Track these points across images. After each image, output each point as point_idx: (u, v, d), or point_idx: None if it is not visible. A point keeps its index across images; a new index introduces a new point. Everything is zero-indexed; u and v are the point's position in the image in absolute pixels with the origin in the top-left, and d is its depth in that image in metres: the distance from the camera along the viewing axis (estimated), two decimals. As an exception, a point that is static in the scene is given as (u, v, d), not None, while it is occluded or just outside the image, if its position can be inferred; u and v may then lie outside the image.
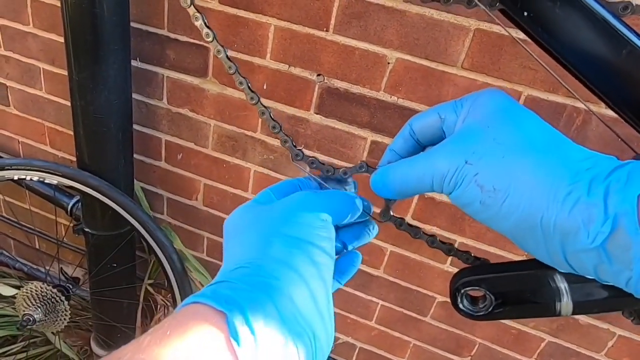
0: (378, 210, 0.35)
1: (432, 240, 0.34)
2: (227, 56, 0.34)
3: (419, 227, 0.33)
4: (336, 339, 1.15)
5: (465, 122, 0.28)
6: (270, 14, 0.82)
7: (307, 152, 0.85)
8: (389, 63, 0.80)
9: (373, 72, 0.81)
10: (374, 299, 1.05)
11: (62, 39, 0.99)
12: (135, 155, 1.02)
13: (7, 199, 1.30)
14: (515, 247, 0.87)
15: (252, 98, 0.35)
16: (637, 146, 0.52)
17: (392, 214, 0.32)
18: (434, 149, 0.28)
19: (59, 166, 0.93)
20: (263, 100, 0.89)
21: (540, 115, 0.83)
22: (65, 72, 1.02)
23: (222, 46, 0.36)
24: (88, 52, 0.82)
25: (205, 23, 0.34)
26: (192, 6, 0.34)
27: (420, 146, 0.32)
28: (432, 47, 0.76)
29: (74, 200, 1.07)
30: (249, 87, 0.34)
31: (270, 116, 0.33)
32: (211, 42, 0.34)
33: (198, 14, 0.34)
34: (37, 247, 1.37)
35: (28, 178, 0.93)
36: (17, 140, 1.21)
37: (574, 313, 0.28)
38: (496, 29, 0.72)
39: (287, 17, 0.81)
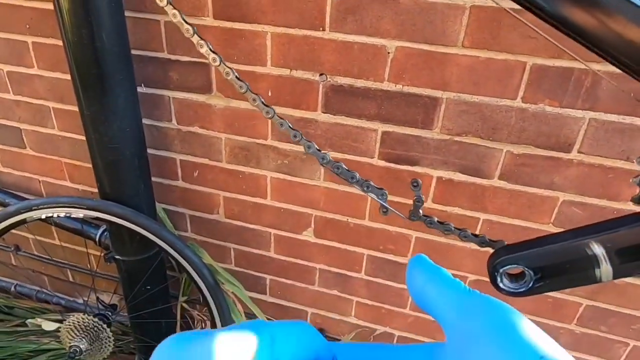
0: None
1: (465, 235, 0.35)
2: (237, 77, 0.35)
3: (449, 223, 0.34)
4: (373, 330, 1.16)
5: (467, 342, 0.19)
6: (264, 22, 0.83)
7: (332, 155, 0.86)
8: (389, 53, 0.80)
9: (374, 63, 0.81)
10: (404, 286, 1.06)
11: (67, 77, 1.01)
12: (153, 178, 1.04)
13: (38, 237, 1.33)
14: (539, 216, 0.87)
15: (267, 112, 0.36)
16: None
17: (421, 213, 0.33)
18: None
19: (83, 199, 0.96)
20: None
21: (548, 81, 0.82)
22: (75, 108, 1.04)
23: (231, 69, 0.37)
24: (95, 86, 0.83)
25: (210, 49, 0.35)
26: (195, 35, 0.35)
27: None
28: (429, 30, 0.76)
29: (101, 230, 1.10)
30: (262, 103, 0.35)
31: (290, 126, 0.34)
32: (219, 65, 0.35)
33: (202, 41, 0.35)
34: (71, 279, 1.41)
35: (55, 215, 0.96)
36: (38, 180, 1.24)
37: (615, 277, 0.28)
38: (492, 2, 0.72)
39: (282, 22, 0.82)
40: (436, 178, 0.89)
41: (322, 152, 0.34)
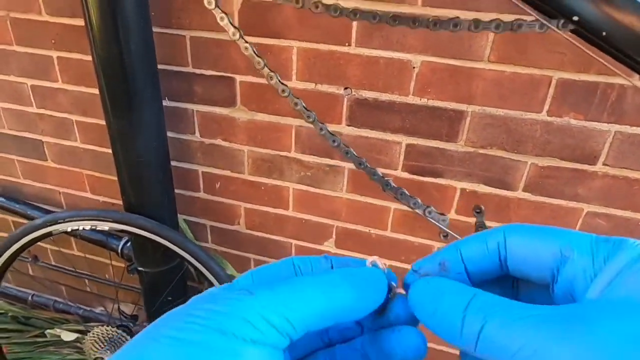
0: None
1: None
2: (290, 93, 0.37)
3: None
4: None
5: (620, 293, 0.16)
6: (291, 37, 0.84)
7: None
8: (414, 67, 0.81)
9: (400, 78, 0.82)
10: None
11: (91, 90, 1.03)
12: (175, 190, 1.05)
13: (56, 248, 1.34)
14: (564, 228, 0.88)
15: (308, 116, 0.37)
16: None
17: None
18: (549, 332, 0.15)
19: (108, 212, 0.96)
20: (298, 120, 0.91)
21: (574, 95, 0.83)
22: (98, 121, 1.06)
23: (285, 85, 0.38)
24: (124, 101, 0.85)
25: (279, 80, 0.36)
26: (265, 67, 0.36)
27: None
28: (456, 46, 0.77)
29: (123, 241, 1.11)
30: (304, 107, 0.36)
31: (329, 132, 0.35)
32: (288, 96, 0.36)
33: (272, 74, 0.36)
34: (89, 289, 1.42)
35: (81, 228, 0.97)
36: (58, 192, 1.25)
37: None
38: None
39: (309, 37, 0.83)
40: (460, 190, 0.90)
41: (386, 178, 0.35)
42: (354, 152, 0.34)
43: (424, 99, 0.83)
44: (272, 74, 0.37)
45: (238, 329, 0.16)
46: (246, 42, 0.36)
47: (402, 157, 0.90)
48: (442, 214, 0.34)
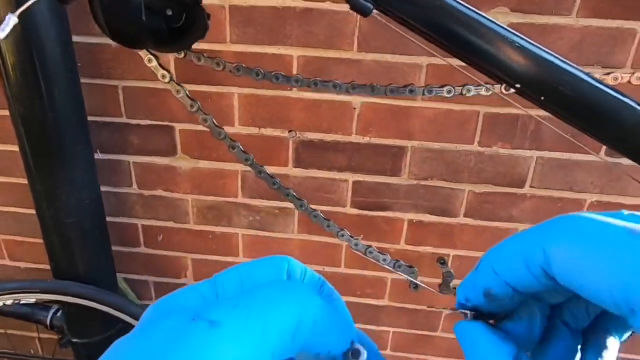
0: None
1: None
2: (227, 136, 0.36)
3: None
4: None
5: None
6: (231, 84, 0.84)
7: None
8: (354, 108, 0.84)
9: (342, 119, 0.85)
10: (385, 328, 1.07)
11: (9, 148, 0.93)
12: (112, 247, 0.97)
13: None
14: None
15: (246, 159, 0.37)
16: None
17: (452, 286, 0.35)
18: None
19: (34, 282, 0.86)
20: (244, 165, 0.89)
21: (499, 127, 0.89)
22: (19, 180, 0.95)
23: (222, 128, 0.37)
24: (50, 160, 0.78)
25: (202, 111, 0.35)
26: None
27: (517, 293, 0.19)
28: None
29: (52, 311, 0.98)
30: (242, 150, 0.35)
31: (267, 174, 0.35)
32: (209, 125, 0.35)
33: (193, 102, 0.35)
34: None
35: (1, 304, 0.85)
36: (-33, 262, 1.09)
37: None
38: (443, 60, 0.79)
39: (249, 83, 0.83)
40: (407, 221, 0.93)
41: (355, 238, 0.35)
42: (295, 194, 0.34)
43: (367, 138, 0.86)
44: (206, 117, 0.36)
45: None
46: (178, 84, 0.35)
47: (349, 194, 0.92)
48: (411, 267, 0.34)
